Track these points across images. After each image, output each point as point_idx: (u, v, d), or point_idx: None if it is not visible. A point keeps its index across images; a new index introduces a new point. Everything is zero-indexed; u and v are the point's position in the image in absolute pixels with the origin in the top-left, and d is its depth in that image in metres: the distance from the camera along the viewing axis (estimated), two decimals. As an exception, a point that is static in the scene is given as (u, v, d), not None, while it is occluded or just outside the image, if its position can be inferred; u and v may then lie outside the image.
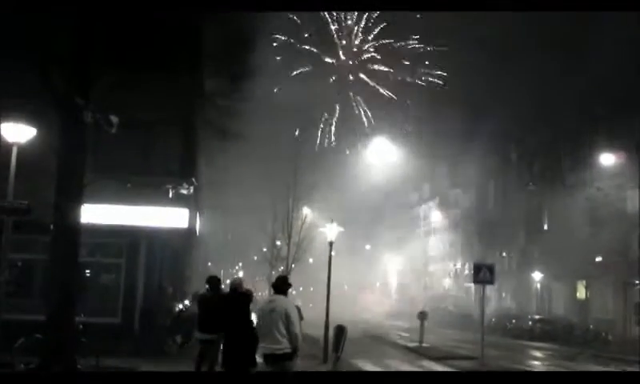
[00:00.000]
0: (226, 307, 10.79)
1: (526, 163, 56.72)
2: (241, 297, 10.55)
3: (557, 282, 52.12)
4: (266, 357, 9.83)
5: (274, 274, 48.11)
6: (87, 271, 20.70)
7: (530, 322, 46.68)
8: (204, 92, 18.54)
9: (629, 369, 24.67)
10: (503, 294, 55.41)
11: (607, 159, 42.03)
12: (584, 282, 50.68)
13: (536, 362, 27.89)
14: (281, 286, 10.39)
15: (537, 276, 54.85)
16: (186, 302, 25.54)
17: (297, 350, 9.85)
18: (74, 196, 15.65)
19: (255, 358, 10.09)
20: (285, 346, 9.72)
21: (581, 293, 51.24)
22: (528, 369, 24.33)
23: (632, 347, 34.50)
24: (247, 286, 11.78)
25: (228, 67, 17.96)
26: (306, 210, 49.29)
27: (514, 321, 49.01)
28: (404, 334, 37.71)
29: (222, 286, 19.53)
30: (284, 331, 9.73)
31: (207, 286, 15.15)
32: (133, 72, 15.76)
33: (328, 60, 69.55)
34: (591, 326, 43.73)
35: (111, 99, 16.17)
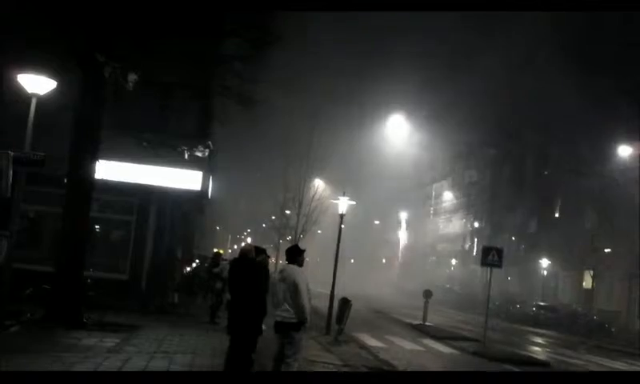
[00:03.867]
0: (235, 274, 10.84)
1: (542, 150, 56.31)
2: (250, 263, 10.56)
3: (564, 271, 52.06)
4: (275, 324, 9.91)
5: (282, 243, 48.44)
6: (97, 226, 20.85)
7: (534, 309, 46.78)
8: (223, 56, 18.43)
9: (629, 362, 24.76)
10: (509, 278, 55.38)
11: (624, 150, 41.79)
12: (591, 271, 50.58)
13: (537, 349, 27.99)
14: (293, 255, 10.31)
15: (544, 263, 54.78)
16: (193, 265, 25.73)
17: (305, 322, 9.84)
18: (90, 151, 15.77)
19: (261, 326, 10.13)
20: (291, 315, 9.76)
21: (587, 282, 51.15)
22: (530, 355, 24.42)
23: (634, 340, 34.55)
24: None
25: (249, 33, 17.81)
26: (317, 182, 49.40)
27: (518, 306, 49.12)
28: (408, 311, 37.82)
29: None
30: (291, 301, 9.77)
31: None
32: (153, 33, 15.72)
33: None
34: (595, 317, 43.75)
35: (131, 59, 16.22)
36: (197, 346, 14.26)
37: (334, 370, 13.83)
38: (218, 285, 19.52)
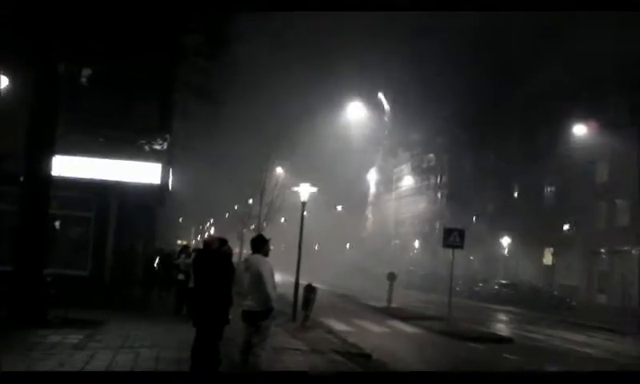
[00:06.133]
0: (199, 265, 10.84)
1: (502, 131, 57.06)
2: (214, 254, 10.57)
3: (524, 249, 53.02)
4: (242, 313, 9.93)
5: (246, 233, 48.31)
6: (57, 223, 20.56)
7: (497, 286, 47.52)
8: (182, 50, 18.28)
9: (589, 334, 25.33)
10: (472, 258, 56.11)
11: (579, 130, 42.57)
12: (551, 249, 51.53)
13: (501, 325, 28.49)
14: (258, 245, 10.30)
15: (505, 242, 55.63)
16: (157, 260, 25.54)
17: (270, 310, 9.86)
18: (46, 147, 15.54)
19: (228, 316, 10.15)
20: (257, 305, 9.78)
21: (547, 259, 52.14)
22: (494, 332, 24.82)
23: (594, 313, 35.39)
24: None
25: (208, 26, 17.68)
26: (279, 170, 49.31)
27: (481, 284, 49.86)
28: (373, 294, 38.11)
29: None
30: (256, 291, 9.79)
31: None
32: (109, 26, 15.50)
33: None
34: (556, 292, 44.63)
35: (86, 53, 16.00)
36: (162, 340, 14.19)
37: (302, 356, 13.90)
38: (180, 276, 19.46)
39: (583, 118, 42.05)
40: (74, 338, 13.28)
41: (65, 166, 17.92)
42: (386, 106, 77.86)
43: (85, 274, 20.34)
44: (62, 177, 17.13)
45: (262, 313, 9.82)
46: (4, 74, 14.12)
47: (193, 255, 18.49)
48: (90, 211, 21.08)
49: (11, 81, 14.49)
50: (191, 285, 15.24)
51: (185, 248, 23.43)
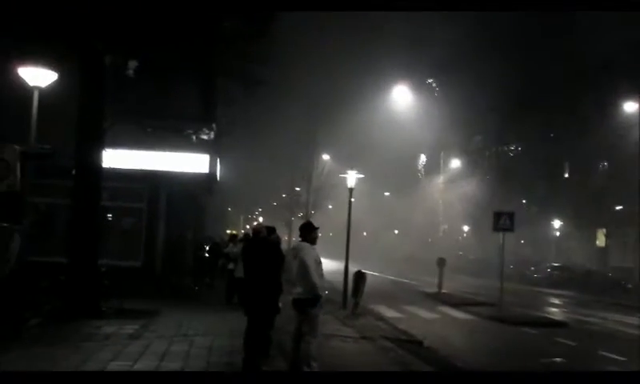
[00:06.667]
0: (249, 253, 10.87)
1: (549, 113, 55.94)
2: (263, 242, 10.58)
3: (576, 230, 51.99)
4: (292, 301, 9.94)
5: (293, 220, 48.50)
6: (109, 215, 20.89)
7: (549, 270, 46.78)
8: (226, 36, 18.27)
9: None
10: (522, 242, 55.27)
11: (630, 107, 41.47)
12: (604, 230, 50.42)
13: (553, 309, 28.03)
14: (306, 231, 10.27)
15: (556, 224, 54.64)
16: (206, 249, 25.80)
17: (318, 298, 9.85)
18: (95, 140, 15.74)
19: (278, 304, 10.17)
20: (305, 292, 9.78)
21: (600, 241, 51.06)
22: (547, 315, 24.44)
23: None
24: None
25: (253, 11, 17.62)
26: (326, 157, 49.33)
27: (532, 268, 49.11)
28: (423, 280, 37.89)
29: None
30: (303, 279, 9.78)
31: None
32: (151, 16, 15.58)
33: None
34: (610, 274, 43.69)
35: (131, 45, 16.13)
36: (215, 328, 14.32)
37: (353, 343, 13.87)
38: (230, 265, 19.58)
39: (635, 93, 40.94)
40: (129, 328, 13.49)
41: (114, 157, 18.16)
42: (433, 89, 77.00)
43: (137, 265, 20.64)
44: (113, 168, 17.36)
45: (309, 300, 9.80)
46: (52, 69, 14.31)
47: (240, 244, 18.63)
48: (140, 202, 21.36)
49: (59, 76, 14.67)
50: (238, 274, 15.35)
51: (233, 237, 23.58)
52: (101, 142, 15.90)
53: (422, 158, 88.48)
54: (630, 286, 40.20)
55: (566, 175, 56.67)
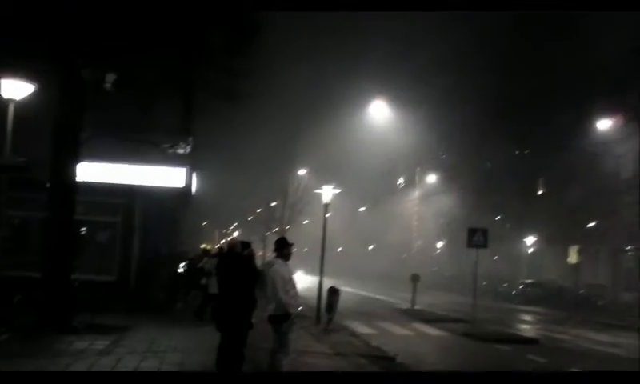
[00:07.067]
0: (223, 268, 10.91)
1: (523, 129, 56.57)
2: (237, 257, 10.62)
3: (549, 247, 52.51)
4: (267, 317, 10.02)
5: (268, 235, 48.45)
6: (83, 229, 20.77)
7: (521, 286, 47.17)
8: (205, 50, 18.34)
9: (615, 333, 25.05)
10: (495, 258, 55.73)
11: (603, 124, 42.15)
12: (576, 246, 50.98)
13: (526, 326, 28.28)
14: (280, 247, 10.40)
15: (529, 240, 55.18)
16: (181, 264, 25.70)
17: (288, 315, 9.93)
18: (71, 153, 15.71)
19: (251, 320, 10.22)
20: (275, 309, 9.87)
21: (573, 257, 51.62)
22: (519, 333, 24.66)
23: (621, 313, 35.00)
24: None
25: (229, 24, 17.70)
26: (302, 171, 49.43)
27: (505, 284, 49.51)
28: (397, 296, 38.05)
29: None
30: (274, 295, 9.88)
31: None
32: (131, 29, 15.62)
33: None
34: (582, 291, 44.17)
35: (110, 57, 16.14)
36: (187, 344, 14.31)
37: (326, 360, 13.93)
38: (203, 280, 19.55)
39: (607, 112, 41.64)
40: (100, 343, 13.43)
41: (90, 171, 18.11)
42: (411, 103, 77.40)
43: (111, 279, 20.52)
44: (88, 182, 17.32)
45: (278, 317, 9.89)
46: (29, 82, 14.29)
47: (214, 259, 18.61)
48: (116, 216, 21.25)
49: (36, 88, 14.65)
50: (212, 289, 15.34)
51: (206, 252, 23.47)
52: (77, 155, 15.87)
53: (400, 174, 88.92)
54: (601, 302, 40.69)
55: (540, 191, 57.28)
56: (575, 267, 49.33)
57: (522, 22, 47.02)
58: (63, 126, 15.68)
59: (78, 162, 15.91)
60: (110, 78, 17.74)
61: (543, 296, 42.97)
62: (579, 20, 42.09)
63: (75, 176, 15.86)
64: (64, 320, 14.85)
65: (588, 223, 48.09)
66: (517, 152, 57.48)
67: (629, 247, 46.53)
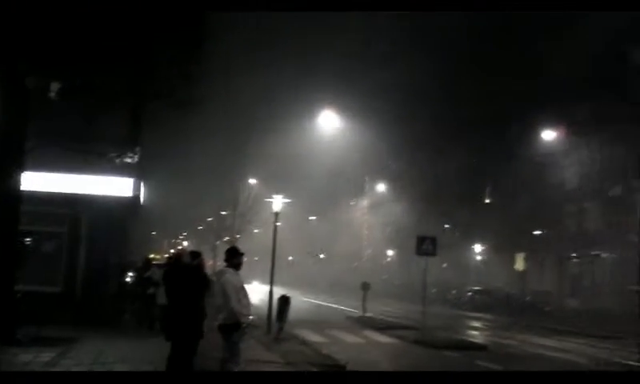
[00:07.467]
0: (171, 278, 10.80)
1: (471, 140, 57.48)
2: (186, 267, 10.54)
3: (497, 254, 53.41)
4: (217, 327, 9.96)
5: (219, 245, 48.19)
6: (28, 240, 20.30)
7: (470, 293, 47.85)
8: (152, 58, 18.17)
9: (559, 338, 25.58)
10: (444, 265, 56.45)
11: (548, 135, 43.11)
12: (522, 254, 51.99)
13: (474, 332, 28.66)
14: (230, 256, 10.34)
15: (478, 248, 56.02)
16: (129, 274, 25.30)
17: (239, 324, 9.88)
18: (15, 162, 15.37)
19: (202, 330, 10.14)
20: (225, 318, 9.82)
21: (519, 265, 52.62)
22: (468, 339, 24.97)
23: (566, 318, 35.78)
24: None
25: (180, 32, 17.59)
26: (253, 181, 49.30)
27: (454, 291, 50.17)
28: (347, 304, 38.18)
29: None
30: (223, 305, 9.84)
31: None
32: (77, 39, 15.38)
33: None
34: (528, 298, 45.03)
35: (55, 65, 15.86)
36: (136, 355, 14.10)
37: (276, 369, 13.88)
38: (151, 290, 19.32)
39: (553, 123, 42.57)
40: (46, 355, 13.13)
41: (35, 181, 17.75)
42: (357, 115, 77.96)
43: (56, 290, 20.10)
44: (33, 192, 16.96)
45: (229, 326, 9.85)
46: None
47: (155, 271, 18.47)
48: (61, 226, 20.85)
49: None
50: (160, 300, 15.16)
51: (148, 261, 23.12)
52: (21, 165, 15.54)
53: (346, 183, 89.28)
54: (547, 308, 41.52)
55: (488, 200, 58.24)
56: (522, 274, 50.31)
57: (476, 29, 47.96)
58: (6, 135, 15.34)
59: (22, 171, 15.58)
60: (55, 86, 17.42)
61: (491, 303, 43.66)
62: (537, 35, 43.10)
63: (19, 186, 15.52)
64: (7, 332, 14.48)
65: (534, 231, 49.13)
66: (466, 161, 58.29)
67: (573, 254, 47.70)
